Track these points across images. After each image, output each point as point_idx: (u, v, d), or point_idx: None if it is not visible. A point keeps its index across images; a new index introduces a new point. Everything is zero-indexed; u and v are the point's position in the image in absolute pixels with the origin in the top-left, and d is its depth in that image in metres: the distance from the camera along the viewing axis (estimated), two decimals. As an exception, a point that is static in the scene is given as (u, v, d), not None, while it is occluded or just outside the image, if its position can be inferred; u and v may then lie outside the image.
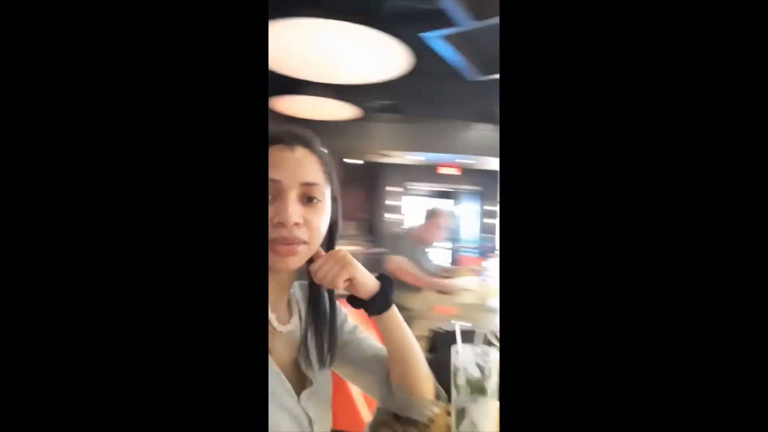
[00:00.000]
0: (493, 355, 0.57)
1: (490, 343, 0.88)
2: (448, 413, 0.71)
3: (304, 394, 0.57)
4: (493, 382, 0.56)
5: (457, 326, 0.62)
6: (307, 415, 0.57)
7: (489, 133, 6.94)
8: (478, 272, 2.77)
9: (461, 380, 0.56)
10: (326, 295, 0.63)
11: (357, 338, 0.68)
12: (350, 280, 0.58)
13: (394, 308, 0.62)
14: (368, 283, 0.60)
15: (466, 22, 3.65)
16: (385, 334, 0.63)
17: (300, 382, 0.59)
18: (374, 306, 0.60)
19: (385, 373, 0.66)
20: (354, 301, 0.62)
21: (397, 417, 0.68)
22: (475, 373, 0.55)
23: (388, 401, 0.66)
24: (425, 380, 0.65)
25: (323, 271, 0.57)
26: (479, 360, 0.56)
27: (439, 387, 0.67)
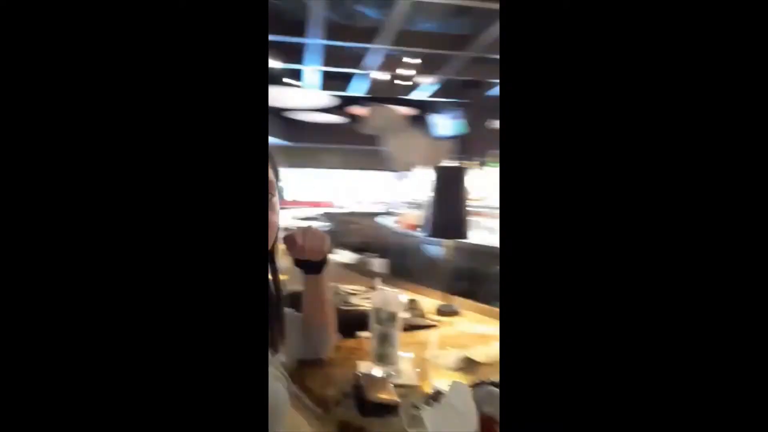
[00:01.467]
0: (394, 293, 0.82)
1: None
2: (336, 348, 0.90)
3: (277, 357, 0.66)
4: (398, 314, 0.80)
5: (378, 280, 0.82)
6: (284, 374, 0.65)
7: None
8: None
9: (384, 314, 0.78)
10: (272, 280, 0.69)
11: None
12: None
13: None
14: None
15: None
16: (316, 288, 0.76)
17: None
18: (321, 266, 0.74)
19: (298, 327, 0.79)
20: (302, 263, 0.73)
21: (303, 362, 0.82)
22: (392, 308, 0.78)
23: (308, 350, 0.80)
24: (335, 322, 0.82)
25: (310, 245, 0.68)
26: (390, 298, 0.80)
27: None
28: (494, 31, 3.71)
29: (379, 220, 4.10)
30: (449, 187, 1.12)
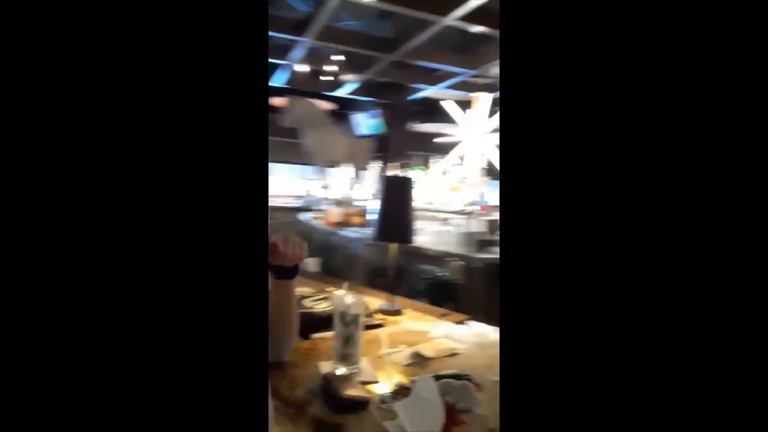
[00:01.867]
0: (355, 298, 0.87)
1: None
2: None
3: None
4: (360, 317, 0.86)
5: (345, 284, 0.86)
6: None
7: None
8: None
9: (348, 317, 0.82)
10: None
11: None
12: None
13: None
14: None
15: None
16: (285, 293, 0.79)
17: None
18: (294, 272, 0.77)
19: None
20: (275, 268, 0.76)
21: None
22: (356, 311, 0.83)
23: (271, 352, 0.82)
24: (298, 325, 0.86)
25: (291, 250, 0.72)
26: (351, 301, 0.85)
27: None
28: (420, 38, 3.88)
29: (300, 216, 4.07)
30: (396, 194, 1.20)
